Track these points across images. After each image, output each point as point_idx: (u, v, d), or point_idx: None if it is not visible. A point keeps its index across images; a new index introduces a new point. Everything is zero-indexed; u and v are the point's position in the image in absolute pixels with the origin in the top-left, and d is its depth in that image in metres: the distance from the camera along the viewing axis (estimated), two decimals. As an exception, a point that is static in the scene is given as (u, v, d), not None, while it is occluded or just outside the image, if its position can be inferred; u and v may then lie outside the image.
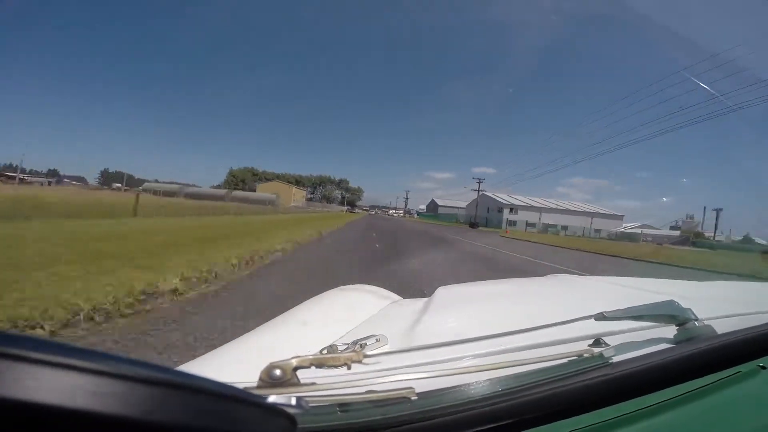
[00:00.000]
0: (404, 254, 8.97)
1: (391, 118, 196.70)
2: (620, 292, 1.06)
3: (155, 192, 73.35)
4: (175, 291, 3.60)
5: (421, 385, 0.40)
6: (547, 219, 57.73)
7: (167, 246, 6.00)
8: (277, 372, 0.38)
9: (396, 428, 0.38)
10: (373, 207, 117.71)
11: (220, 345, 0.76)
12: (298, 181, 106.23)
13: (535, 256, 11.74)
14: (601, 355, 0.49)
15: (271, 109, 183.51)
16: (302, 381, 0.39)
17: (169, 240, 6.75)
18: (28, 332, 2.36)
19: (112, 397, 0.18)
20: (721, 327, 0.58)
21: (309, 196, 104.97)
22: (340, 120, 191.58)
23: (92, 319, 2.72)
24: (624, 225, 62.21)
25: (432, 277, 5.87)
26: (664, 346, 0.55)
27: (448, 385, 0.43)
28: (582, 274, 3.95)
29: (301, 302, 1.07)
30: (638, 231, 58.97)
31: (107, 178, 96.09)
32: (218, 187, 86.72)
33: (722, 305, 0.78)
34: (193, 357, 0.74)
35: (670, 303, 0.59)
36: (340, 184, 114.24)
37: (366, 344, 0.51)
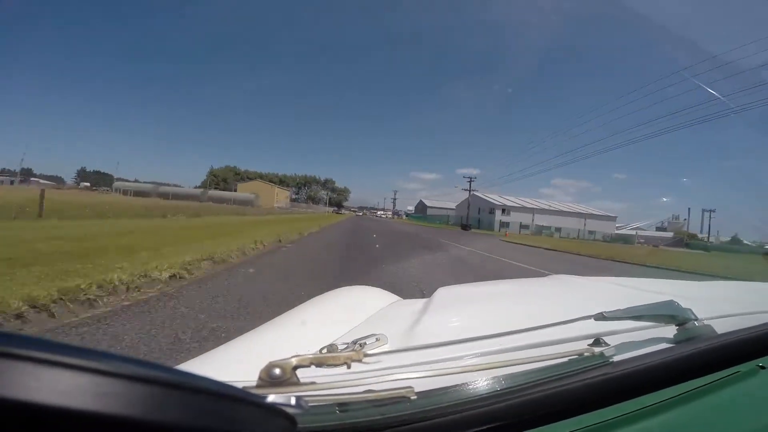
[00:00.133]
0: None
1: (378, 118, 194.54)
2: (620, 292, 1.07)
3: (124, 191, 69.12)
4: None
5: (420, 384, 0.40)
6: (540, 220, 55.58)
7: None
8: (277, 371, 0.37)
9: (396, 428, 0.38)
10: (361, 208, 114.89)
11: None
12: (282, 181, 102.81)
13: (570, 272, 8.77)
14: (601, 354, 0.49)
15: (257, 108, 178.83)
16: (302, 380, 0.38)
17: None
18: None
19: (112, 397, 0.18)
20: (721, 327, 0.58)
21: (294, 196, 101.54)
22: (327, 120, 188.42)
23: None
24: (617, 226, 60.66)
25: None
26: (664, 345, 0.55)
27: (448, 385, 0.43)
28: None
29: None
30: (633, 233, 57.63)
31: (84, 178, 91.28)
32: (200, 187, 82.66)
33: (722, 305, 0.78)
34: None
35: (670, 303, 0.59)
36: (326, 184, 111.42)
37: (366, 343, 0.51)
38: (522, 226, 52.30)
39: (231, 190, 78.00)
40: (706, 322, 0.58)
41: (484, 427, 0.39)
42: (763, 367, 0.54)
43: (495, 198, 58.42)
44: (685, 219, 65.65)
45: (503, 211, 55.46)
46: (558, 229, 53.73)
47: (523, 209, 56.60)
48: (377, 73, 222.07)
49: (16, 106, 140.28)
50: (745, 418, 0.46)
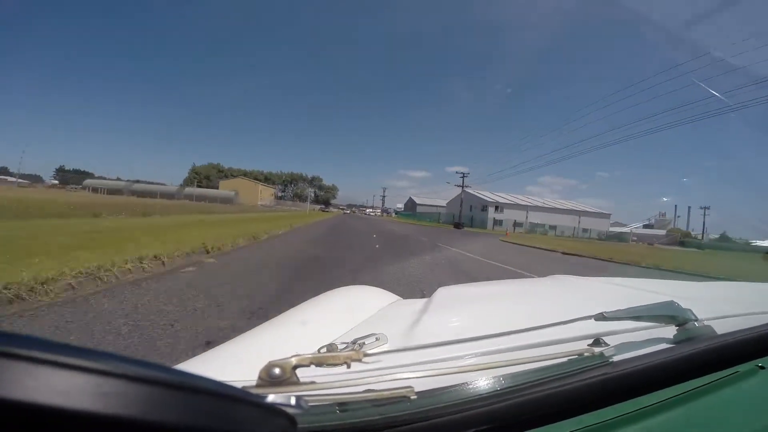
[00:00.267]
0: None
1: (367, 116, 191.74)
2: (620, 293, 1.06)
3: (95, 189, 65.24)
4: None
5: (420, 384, 0.40)
6: (533, 218, 53.57)
7: None
8: (277, 371, 0.37)
9: (396, 428, 0.37)
10: (349, 206, 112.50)
11: None
12: (267, 179, 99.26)
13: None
14: (601, 354, 0.49)
15: (245, 106, 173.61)
16: (302, 380, 0.38)
17: None
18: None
19: (112, 397, 0.18)
20: (721, 327, 0.58)
21: (279, 194, 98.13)
22: (316, 117, 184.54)
23: None
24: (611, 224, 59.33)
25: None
26: (663, 346, 0.55)
27: (448, 385, 0.43)
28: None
29: None
30: (627, 231, 56.40)
31: (63, 177, 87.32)
32: (183, 185, 79.15)
33: (722, 305, 0.78)
34: None
35: (670, 303, 0.59)
36: (313, 181, 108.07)
37: (365, 343, 0.51)
38: (516, 224, 50.23)
39: (214, 188, 74.87)
40: (706, 322, 0.58)
41: (484, 427, 0.39)
42: (762, 368, 0.54)
43: (487, 195, 55.75)
44: (678, 216, 65.18)
45: (496, 208, 53.09)
46: (552, 227, 51.91)
47: (516, 206, 54.28)
48: (367, 71, 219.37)
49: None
50: (745, 418, 0.46)
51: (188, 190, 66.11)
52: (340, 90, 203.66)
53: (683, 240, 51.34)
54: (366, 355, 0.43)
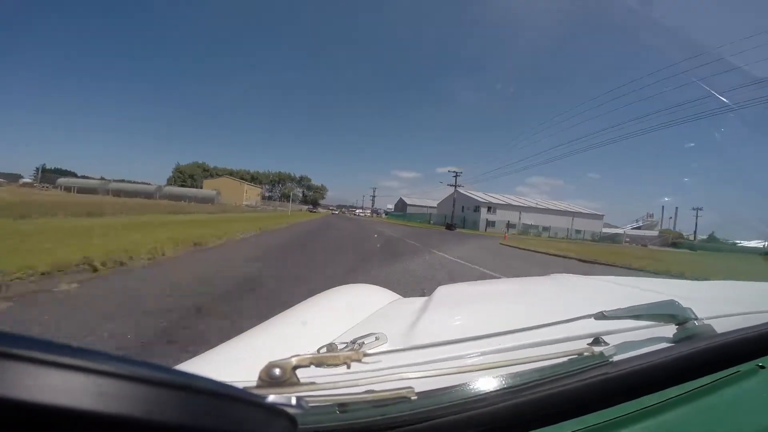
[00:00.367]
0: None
1: (357, 116, 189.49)
2: (620, 292, 1.06)
3: (68, 188, 61.89)
4: None
5: (420, 384, 0.40)
6: (525, 219, 52.29)
7: None
8: (277, 371, 0.37)
9: (396, 428, 0.37)
10: (339, 206, 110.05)
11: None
12: (254, 178, 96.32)
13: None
14: (601, 354, 0.49)
15: (232, 105, 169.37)
16: (302, 380, 0.38)
17: None
18: None
19: (113, 397, 0.18)
20: (721, 326, 0.58)
21: (267, 194, 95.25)
22: (305, 117, 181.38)
23: None
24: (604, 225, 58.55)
25: None
26: (663, 345, 0.56)
27: (448, 385, 0.43)
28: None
29: None
30: (620, 232, 55.70)
31: (45, 175, 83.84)
32: (160, 185, 76.38)
33: (722, 305, 0.79)
34: None
35: (670, 302, 0.59)
36: (302, 181, 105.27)
37: (365, 343, 0.51)
38: (509, 225, 48.87)
39: (198, 187, 72.16)
40: (705, 321, 0.58)
41: (485, 428, 0.39)
42: (763, 367, 0.54)
43: (480, 195, 54.17)
44: (670, 218, 64.96)
45: (489, 209, 51.67)
46: (546, 228, 50.72)
47: (509, 207, 52.97)
48: (356, 72, 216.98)
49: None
50: (746, 417, 0.46)
51: (167, 189, 63.49)
52: (330, 89, 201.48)
53: (675, 241, 50.85)
54: (366, 355, 0.43)
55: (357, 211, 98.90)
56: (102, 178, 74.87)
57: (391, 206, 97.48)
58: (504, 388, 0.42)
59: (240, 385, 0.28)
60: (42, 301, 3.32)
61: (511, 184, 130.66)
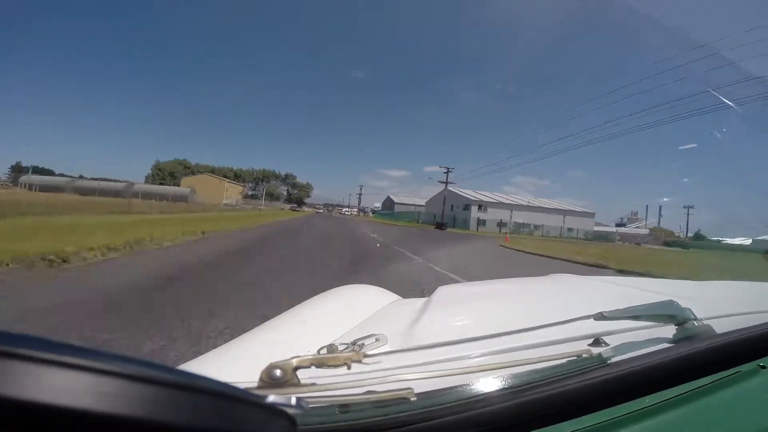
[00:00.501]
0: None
1: (344, 114, 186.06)
2: (620, 292, 1.06)
3: (30, 186, 57.14)
4: None
5: (420, 385, 0.40)
6: (516, 217, 50.71)
7: None
8: (278, 372, 0.38)
9: (396, 429, 0.38)
10: (326, 205, 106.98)
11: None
12: (237, 176, 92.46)
13: None
14: (600, 355, 0.49)
15: (217, 101, 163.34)
16: (302, 381, 0.39)
17: None
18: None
19: (113, 397, 0.18)
20: (721, 327, 0.58)
21: (250, 192, 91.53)
22: (290, 114, 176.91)
23: None
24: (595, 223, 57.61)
25: None
26: (663, 345, 0.56)
27: (448, 386, 0.43)
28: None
29: None
30: (612, 230, 54.79)
31: (19, 174, 78.54)
32: (130, 182, 72.20)
33: (722, 305, 0.79)
34: None
35: (670, 303, 0.59)
36: (287, 179, 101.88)
37: (365, 344, 0.52)
38: (501, 224, 47.16)
39: (178, 185, 68.34)
40: (705, 321, 0.58)
41: (485, 428, 0.40)
42: (763, 367, 0.54)
43: (470, 193, 52.41)
44: (662, 216, 64.72)
45: (480, 207, 49.88)
46: (537, 227, 49.21)
47: (500, 205, 51.23)
48: (345, 69, 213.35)
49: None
50: (746, 418, 0.46)
51: (137, 187, 59.76)
52: (318, 87, 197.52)
53: (667, 240, 50.10)
54: (366, 356, 0.43)
55: (344, 209, 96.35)
56: (81, 176, 70.64)
57: (378, 205, 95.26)
58: (504, 389, 0.42)
59: (241, 386, 0.28)
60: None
61: (498, 184, 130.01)
